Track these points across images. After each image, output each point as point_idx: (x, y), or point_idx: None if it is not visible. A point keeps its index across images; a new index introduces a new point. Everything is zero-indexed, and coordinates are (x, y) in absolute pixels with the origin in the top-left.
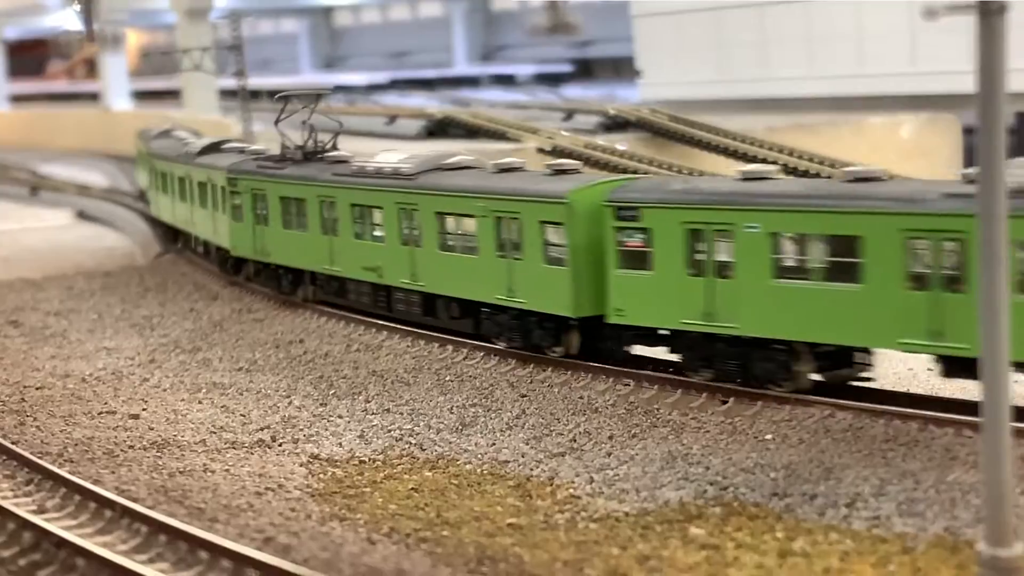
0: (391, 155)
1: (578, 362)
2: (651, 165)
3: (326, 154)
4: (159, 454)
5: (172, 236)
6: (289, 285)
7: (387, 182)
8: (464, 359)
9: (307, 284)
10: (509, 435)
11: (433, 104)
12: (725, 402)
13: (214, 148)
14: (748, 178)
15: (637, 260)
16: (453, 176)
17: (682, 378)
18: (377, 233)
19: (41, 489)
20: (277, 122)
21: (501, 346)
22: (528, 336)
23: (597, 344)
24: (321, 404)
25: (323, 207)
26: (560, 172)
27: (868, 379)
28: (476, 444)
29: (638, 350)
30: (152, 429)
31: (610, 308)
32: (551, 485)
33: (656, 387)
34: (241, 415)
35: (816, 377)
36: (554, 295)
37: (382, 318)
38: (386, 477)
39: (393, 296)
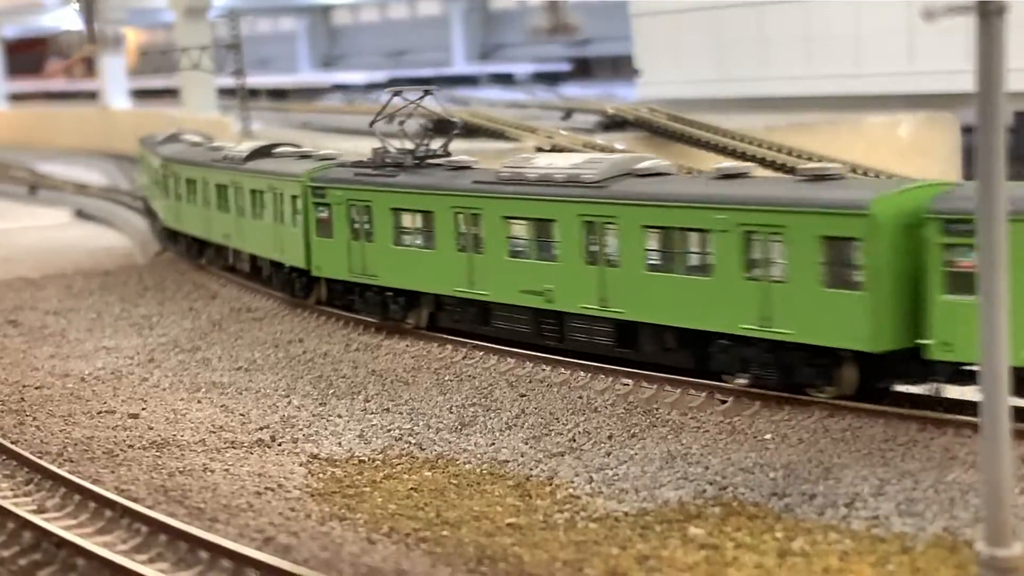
0: (555, 159)
1: (577, 361)
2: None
3: (442, 159)
4: (159, 454)
5: (197, 250)
6: (400, 310)
7: (563, 191)
8: (463, 359)
9: (424, 309)
10: (508, 435)
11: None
12: (724, 402)
13: (264, 153)
14: None
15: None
16: (662, 184)
17: (678, 377)
18: (547, 251)
19: (41, 489)
20: (373, 123)
21: (738, 384)
22: (788, 373)
23: (878, 383)
24: (320, 404)
25: (461, 221)
26: (821, 178)
27: None
28: (475, 444)
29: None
30: (152, 429)
31: (933, 342)
32: (550, 485)
33: (655, 387)
34: (240, 415)
35: None
36: (841, 325)
37: (544, 349)
38: (385, 477)
39: (568, 324)
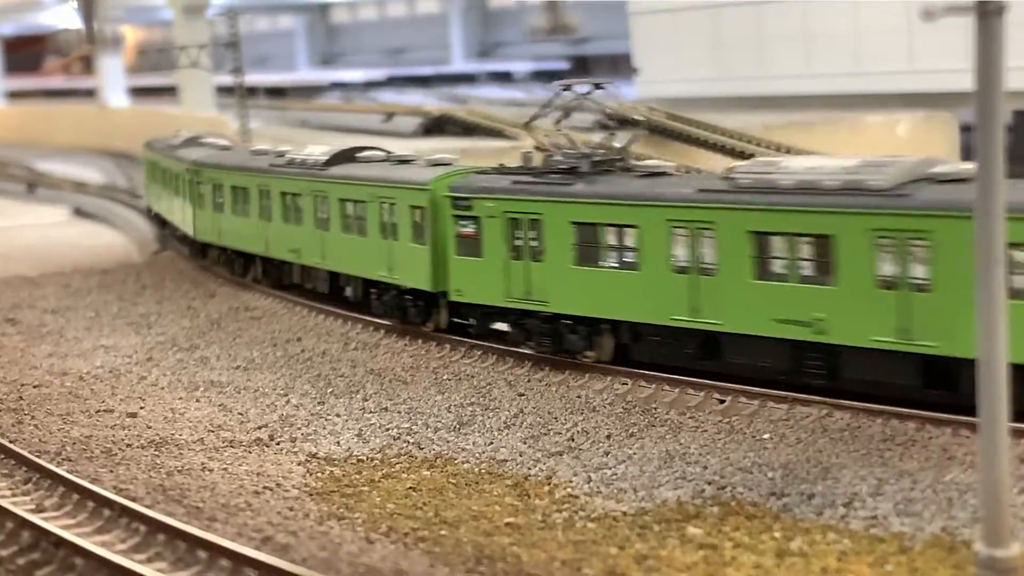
0: (810, 162)
1: (575, 361)
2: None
3: (621, 162)
4: (157, 453)
5: (242, 266)
6: (581, 341)
7: (841, 201)
8: (462, 357)
9: (608, 339)
10: (507, 434)
11: (430, 101)
12: (723, 401)
13: (347, 158)
14: None
15: None
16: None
17: (677, 376)
18: (817, 272)
19: (39, 488)
20: (531, 122)
21: None
22: None
23: None
24: (319, 403)
25: (681, 237)
26: None
27: None
28: (474, 443)
29: None
30: (150, 427)
31: None
32: (549, 484)
33: (653, 386)
34: (239, 414)
35: None
36: None
37: (781, 387)
38: (384, 476)
39: (848, 360)
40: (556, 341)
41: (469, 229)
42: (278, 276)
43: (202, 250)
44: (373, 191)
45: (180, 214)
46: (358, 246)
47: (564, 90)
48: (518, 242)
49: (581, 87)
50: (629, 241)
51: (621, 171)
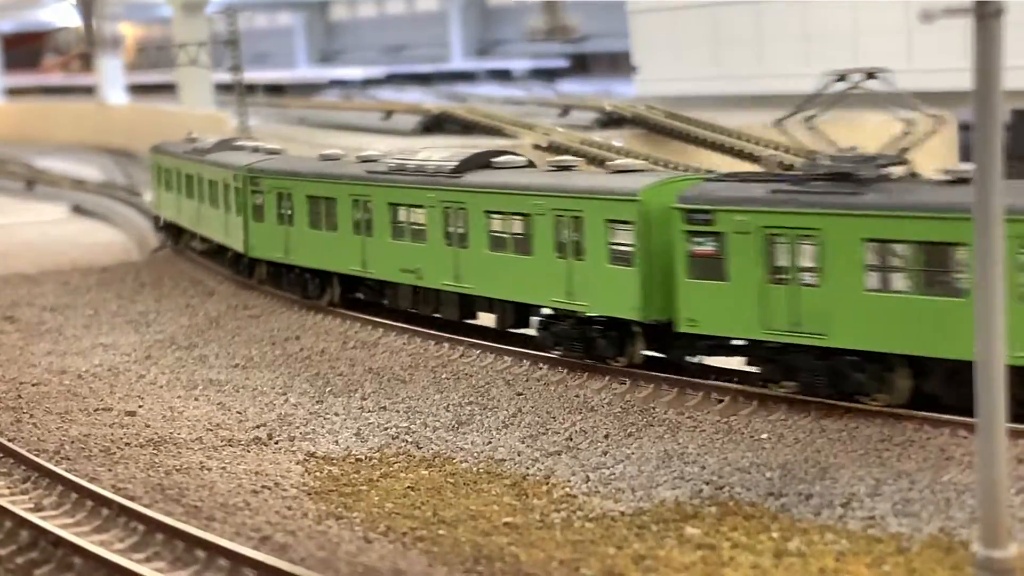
0: None
1: (575, 361)
2: (647, 162)
3: (898, 166)
4: (156, 451)
5: (318, 286)
6: (871, 381)
7: None
8: (460, 357)
9: (905, 377)
10: (505, 433)
11: (429, 99)
12: (721, 401)
13: (481, 164)
14: None
15: None
16: None
17: (677, 377)
18: None
19: (38, 487)
20: (787, 119)
21: None
22: None
23: None
24: (317, 401)
25: None
26: None
27: None
28: (472, 442)
29: None
30: (149, 426)
31: None
32: (547, 484)
33: (652, 386)
34: (237, 412)
35: None
36: None
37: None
38: (382, 475)
39: None
40: (833, 381)
41: (708, 247)
42: (378, 300)
43: (249, 267)
44: (544, 202)
45: (221, 227)
46: (516, 266)
47: (838, 79)
48: (782, 262)
49: (855, 75)
50: (953, 262)
51: (908, 177)
